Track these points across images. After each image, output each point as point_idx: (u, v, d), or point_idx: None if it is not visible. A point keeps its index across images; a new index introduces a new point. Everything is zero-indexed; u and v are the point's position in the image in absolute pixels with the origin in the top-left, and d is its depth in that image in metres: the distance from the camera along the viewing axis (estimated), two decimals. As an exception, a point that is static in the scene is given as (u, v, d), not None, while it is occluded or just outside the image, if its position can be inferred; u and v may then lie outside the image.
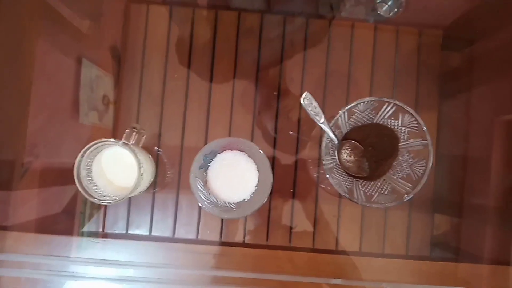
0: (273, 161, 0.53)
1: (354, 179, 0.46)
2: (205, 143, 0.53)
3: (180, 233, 0.53)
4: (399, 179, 0.44)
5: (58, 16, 0.55)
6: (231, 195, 0.47)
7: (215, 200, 0.46)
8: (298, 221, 0.53)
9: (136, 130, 0.42)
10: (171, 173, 0.53)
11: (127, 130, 0.41)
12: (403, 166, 0.44)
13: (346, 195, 0.42)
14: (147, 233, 0.52)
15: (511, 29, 0.56)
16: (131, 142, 0.41)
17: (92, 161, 0.43)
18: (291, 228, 0.53)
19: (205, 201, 0.44)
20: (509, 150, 0.54)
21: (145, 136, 0.46)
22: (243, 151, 0.47)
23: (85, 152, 0.40)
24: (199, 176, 0.45)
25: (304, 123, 0.53)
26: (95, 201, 0.40)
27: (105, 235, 0.52)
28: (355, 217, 0.53)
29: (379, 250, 0.53)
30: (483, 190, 0.55)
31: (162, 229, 0.52)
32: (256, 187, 0.46)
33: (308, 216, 0.53)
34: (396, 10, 0.55)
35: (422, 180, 0.41)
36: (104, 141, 0.40)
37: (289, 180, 0.53)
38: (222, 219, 0.53)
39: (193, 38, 0.54)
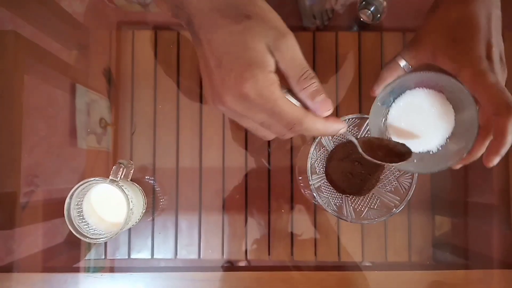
0: (268, 175, 0.53)
1: (344, 195, 0.46)
2: (200, 164, 0.54)
3: (182, 254, 0.53)
4: (387, 193, 0.44)
5: (43, 51, 0.55)
6: (415, 143, 0.37)
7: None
8: (298, 234, 0.53)
9: (123, 166, 0.42)
10: (165, 199, 0.53)
11: (114, 167, 0.41)
12: (390, 179, 0.44)
13: (335, 214, 0.42)
14: (149, 257, 0.53)
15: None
16: (118, 178, 0.41)
17: (82, 200, 0.44)
18: (292, 241, 0.53)
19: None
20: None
21: (133, 170, 0.46)
22: (440, 92, 0.36)
23: (73, 193, 0.41)
24: (380, 115, 0.37)
25: (296, 136, 0.54)
26: (87, 240, 0.41)
27: (108, 263, 0.53)
28: (355, 225, 0.53)
29: (381, 257, 0.53)
30: (484, 187, 0.54)
31: (164, 251, 0.53)
32: (448, 140, 0.36)
33: (308, 228, 0.53)
34: (379, 15, 0.55)
35: (410, 192, 0.41)
36: (92, 180, 0.40)
37: (286, 193, 0.53)
38: (222, 237, 0.53)
39: (180, 61, 0.55)
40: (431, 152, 0.37)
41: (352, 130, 0.45)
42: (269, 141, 0.54)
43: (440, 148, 0.36)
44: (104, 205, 0.44)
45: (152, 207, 0.53)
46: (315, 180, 0.44)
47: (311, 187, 0.41)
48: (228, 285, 0.49)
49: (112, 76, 0.55)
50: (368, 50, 0.55)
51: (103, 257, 0.53)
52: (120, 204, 0.42)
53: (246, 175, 0.54)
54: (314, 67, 0.55)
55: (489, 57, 0.30)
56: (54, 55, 0.56)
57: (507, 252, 0.53)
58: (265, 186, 0.53)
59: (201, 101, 0.55)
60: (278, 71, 0.26)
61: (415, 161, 0.37)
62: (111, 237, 0.41)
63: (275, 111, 0.25)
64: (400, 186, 0.43)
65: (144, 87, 0.54)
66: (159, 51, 0.55)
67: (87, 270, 0.52)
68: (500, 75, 0.30)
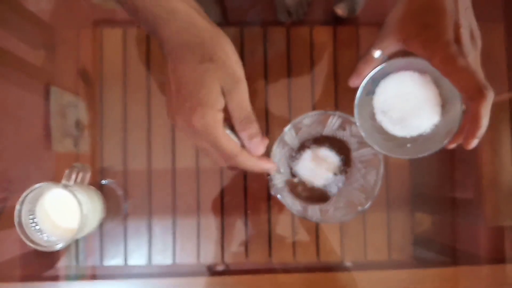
0: (244, 175, 0.52)
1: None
2: (173, 165, 0.52)
3: (157, 260, 0.51)
4: (354, 191, 0.43)
5: (5, 52, 0.53)
6: (406, 127, 0.36)
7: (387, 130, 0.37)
8: (276, 234, 0.51)
9: (77, 169, 0.40)
10: (129, 203, 0.52)
11: (67, 170, 0.40)
12: (356, 177, 0.43)
13: (300, 214, 0.40)
14: (123, 264, 0.51)
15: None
16: (72, 183, 0.39)
17: (35, 207, 0.42)
18: (270, 242, 0.51)
19: (375, 133, 0.36)
20: (488, 136, 0.53)
21: (90, 173, 0.45)
22: (424, 72, 0.36)
23: (24, 199, 0.39)
24: (365, 104, 0.36)
25: (271, 130, 0.52)
26: (39, 248, 0.39)
27: (81, 271, 0.51)
28: (333, 225, 0.51)
29: (361, 256, 0.52)
30: (463, 183, 0.54)
31: (137, 257, 0.51)
32: (439, 122, 0.35)
33: (286, 228, 0.52)
34: (355, 9, 0.54)
35: (376, 189, 0.39)
36: (43, 185, 0.39)
37: (263, 193, 0.52)
38: (198, 241, 0.51)
39: (150, 59, 0.53)
40: (424, 134, 0.36)
41: (318, 125, 0.43)
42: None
43: (433, 128, 0.36)
44: (59, 211, 0.42)
45: (125, 212, 0.51)
46: (279, 179, 0.43)
47: (274, 187, 0.40)
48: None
49: (89, 77, 0.53)
50: (344, 45, 0.54)
51: (74, 263, 0.51)
52: (76, 209, 0.40)
53: (221, 176, 0.52)
54: (288, 62, 0.54)
55: (458, 39, 0.30)
56: (18, 56, 0.53)
57: (488, 247, 0.52)
58: (241, 186, 0.52)
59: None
60: (226, 110, 0.30)
61: (408, 145, 0.37)
62: (65, 245, 0.39)
63: (215, 143, 0.30)
64: (367, 184, 0.41)
65: (114, 86, 0.53)
66: (129, 49, 0.53)
67: (68, 278, 0.50)
68: (471, 55, 0.30)
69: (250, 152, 0.32)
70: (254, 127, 0.31)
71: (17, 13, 0.55)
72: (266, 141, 0.32)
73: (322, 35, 0.54)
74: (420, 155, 0.35)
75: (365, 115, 0.36)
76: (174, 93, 0.30)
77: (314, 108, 0.53)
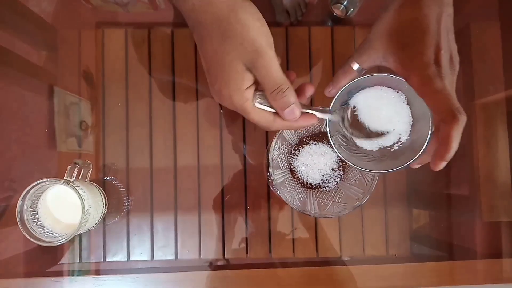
0: (244, 172, 0.53)
1: (309, 189, 0.46)
2: (175, 163, 0.53)
3: (158, 256, 0.52)
4: (351, 186, 0.44)
5: (8, 52, 0.54)
6: (374, 142, 0.36)
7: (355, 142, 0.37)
8: (276, 231, 0.52)
9: (78, 166, 0.41)
10: (131, 199, 0.52)
11: (68, 167, 0.40)
12: (354, 173, 0.44)
13: (299, 209, 0.41)
14: (125, 259, 0.52)
15: (464, 16, 0.57)
16: (73, 179, 0.40)
17: (37, 202, 0.42)
18: (270, 239, 0.52)
19: (343, 144, 0.36)
20: (484, 134, 0.54)
21: (91, 170, 0.45)
22: (399, 90, 0.36)
23: (25, 194, 0.39)
24: (339, 114, 0.36)
25: (272, 133, 0.53)
26: (41, 243, 0.39)
27: (84, 267, 0.52)
28: (332, 221, 0.53)
29: (359, 251, 0.53)
30: (459, 179, 0.55)
31: (140, 253, 0.52)
32: (406, 140, 0.36)
33: (286, 225, 0.52)
34: (352, 9, 0.55)
35: (373, 184, 0.40)
36: (45, 181, 0.39)
37: (263, 190, 0.53)
38: (199, 237, 0.52)
39: (151, 59, 0.54)
40: (392, 150, 0.36)
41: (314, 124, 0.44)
42: (244, 138, 0.53)
43: (400, 146, 0.36)
44: (61, 206, 0.43)
45: (127, 208, 0.52)
46: (278, 175, 0.44)
47: (273, 182, 0.41)
48: (207, 285, 0.49)
49: (91, 77, 0.54)
50: (341, 45, 0.55)
51: (78, 260, 0.51)
52: (77, 205, 0.41)
53: (221, 173, 0.53)
54: (287, 62, 0.55)
55: (437, 61, 0.30)
56: (21, 57, 0.54)
57: (483, 242, 0.53)
58: (242, 183, 0.53)
59: (174, 99, 0.54)
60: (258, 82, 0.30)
61: (378, 155, 0.37)
62: (66, 240, 0.39)
63: (249, 119, 0.31)
64: (364, 179, 0.42)
65: (115, 86, 0.53)
66: (130, 49, 0.54)
67: (71, 273, 0.51)
68: (448, 79, 0.30)
69: (285, 119, 0.31)
70: (285, 96, 0.30)
71: (20, 14, 0.55)
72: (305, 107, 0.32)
73: (320, 35, 0.55)
74: (383, 171, 0.35)
75: (337, 124, 0.37)
76: (205, 70, 0.31)
77: (312, 105, 0.54)
